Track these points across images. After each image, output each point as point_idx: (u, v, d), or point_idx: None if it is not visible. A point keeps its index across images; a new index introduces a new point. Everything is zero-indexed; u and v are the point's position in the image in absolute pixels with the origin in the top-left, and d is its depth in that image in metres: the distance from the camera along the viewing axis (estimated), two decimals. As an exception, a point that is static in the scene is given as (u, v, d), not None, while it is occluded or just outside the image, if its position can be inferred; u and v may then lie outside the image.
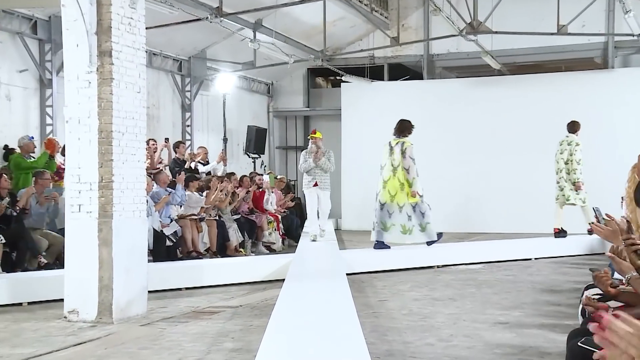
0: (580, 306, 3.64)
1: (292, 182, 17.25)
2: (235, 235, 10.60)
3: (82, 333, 5.42)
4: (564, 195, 10.98)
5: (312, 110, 18.31)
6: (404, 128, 9.70)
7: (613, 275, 5.14)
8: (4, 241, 7.39)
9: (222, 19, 11.96)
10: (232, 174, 11.94)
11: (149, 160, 9.90)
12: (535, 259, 10.05)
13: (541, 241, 11.06)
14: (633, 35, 12.96)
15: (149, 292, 6.36)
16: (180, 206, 9.84)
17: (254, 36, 13.43)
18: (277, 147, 18.71)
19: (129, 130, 6.04)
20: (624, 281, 3.22)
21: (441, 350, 4.77)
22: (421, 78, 16.51)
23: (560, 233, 10.97)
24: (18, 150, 9.47)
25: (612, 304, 3.11)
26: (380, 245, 9.48)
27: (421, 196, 9.43)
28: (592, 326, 1.35)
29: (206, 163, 12.21)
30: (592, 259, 9.97)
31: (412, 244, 9.56)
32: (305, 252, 9.23)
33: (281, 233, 12.37)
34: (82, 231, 5.87)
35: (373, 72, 16.79)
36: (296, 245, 10.74)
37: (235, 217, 11.07)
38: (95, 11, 5.84)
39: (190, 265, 8.39)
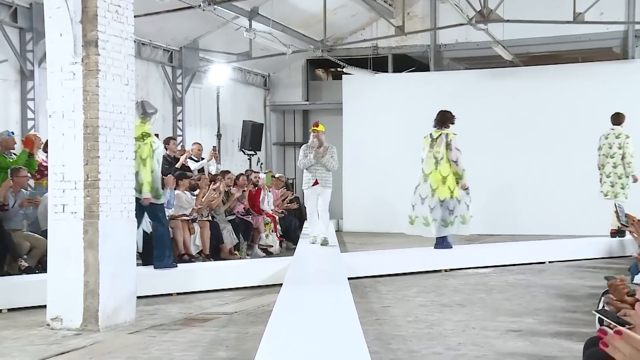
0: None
1: (290, 181, 17.26)
2: (229, 237, 10.60)
3: (66, 342, 5.42)
4: (614, 191, 10.93)
5: (311, 104, 18.31)
6: (445, 119, 9.79)
7: (633, 280, 5.13)
8: (-18, 244, 7.39)
9: (215, 6, 11.96)
10: (227, 172, 11.93)
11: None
12: (550, 262, 10.04)
13: (555, 243, 11.06)
14: (654, 24, 12.97)
15: (138, 297, 6.35)
16: (169, 208, 9.83)
17: (250, 25, 13.43)
18: (274, 144, 18.71)
19: (116, 125, 6.03)
20: None
21: (449, 359, 4.77)
22: (428, 70, 16.51)
23: (618, 233, 10.76)
24: (-3, 147, 9.46)
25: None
26: (441, 244, 9.72)
27: (467, 189, 9.61)
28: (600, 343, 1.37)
29: (199, 160, 12.21)
30: (611, 262, 9.98)
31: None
32: (304, 255, 9.23)
33: (279, 235, 12.37)
34: (66, 233, 5.86)
35: (376, 63, 16.80)
36: (294, 248, 10.75)
37: (230, 217, 11.07)
38: (80, -2, 5.83)
39: (182, 270, 8.38)
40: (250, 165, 15.86)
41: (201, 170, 11.83)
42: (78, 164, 5.86)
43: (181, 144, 14.08)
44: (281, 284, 6.78)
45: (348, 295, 5.84)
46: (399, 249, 11.02)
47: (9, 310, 6.63)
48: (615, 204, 9.73)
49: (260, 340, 4.20)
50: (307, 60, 18.03)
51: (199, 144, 12.58)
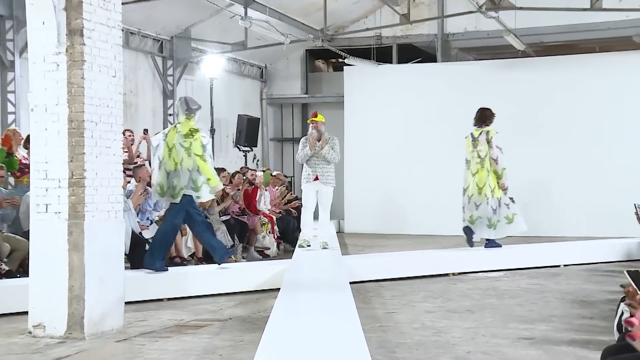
0: (616, 320, 3.63)
1: (289, 179, 17.26)
2: (224, 239, 10.60)
3: (49, 350, 5.41)
4: None
5: (310, 97, 18.32)
6: (484, 117, 10.19)
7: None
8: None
9: (208, -7, 11.96)
10: (223, 169, 11.92)
11: (126, 154, 9.91)
12: (565, 265, 10.05)
13: (571, 245, 11.07)
14: (677, 11, 12.96)
15: (126, 303, 6.34)
16: (157, 211, 9.83)
17: (245, 13, 13.42)
18: (272, 139, 18.73)
19: (103, 119, 6.03)
20: None
21: (458, 369, 4.78)
22: (434, 61, 16.52)
23: None
24: (-26, 143, 9.45)
25: None
26: (491, 243, 10.11)
27: (506, 189, 10.01)
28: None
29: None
30: (631, 266, 9.97)
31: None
32: (302, 257, 9.23)
33: (276, 236, 12.37)
34: (49, 234, 5.85)
35: (380, 53, 16.80)
36: (293, 250, 10.75)
37: (224, 218, 11.06)
38: (64, -16, 5.83)
39: (173, 273, 8.37)
40: (245, 162, 15.85)
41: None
42: (62, 161, 5.85)
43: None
44: (279, 289, 6.78)
45: (350, 301, 5.84)
46: (404, 251, 11.02)
47: (-11, 316, 6.63)
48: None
49: (256, 348, 4.20)
50: (306, 50, 18.04)
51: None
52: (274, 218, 12.47)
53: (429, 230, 14.91)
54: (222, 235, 10.63)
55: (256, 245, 11.70)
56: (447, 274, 9.26)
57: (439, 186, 15.17)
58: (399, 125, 15.78)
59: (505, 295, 7.72)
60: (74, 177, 5.84)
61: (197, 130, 8.05)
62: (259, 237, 11.76)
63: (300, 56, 18.20)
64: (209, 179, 8.03)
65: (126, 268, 7.01)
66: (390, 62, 16.84)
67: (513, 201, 10.08)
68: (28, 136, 7.68)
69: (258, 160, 17.29)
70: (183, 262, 9.64)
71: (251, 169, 13.43)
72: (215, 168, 12.07)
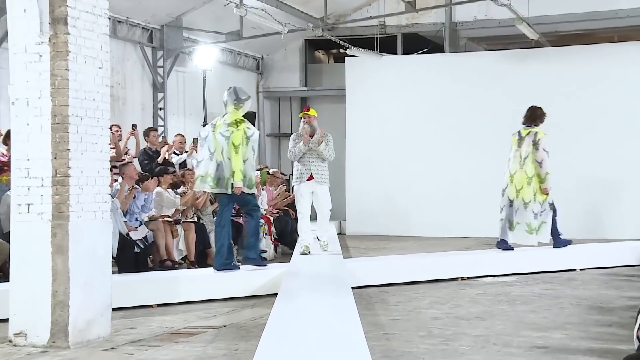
0: (636, 327, 3.63)
1: (286, 176, 17.26)
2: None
3: None
4: None
5: (310, 90, 18.31)
6: (535, 116, 10.25)
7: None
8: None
9: (201, -21, 11.96)
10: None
11: (113, 151, 9.91)
12: (580, 269, 10.06)
13: (587, 248, 11.06)
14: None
15: (113, 309, 6.35)
16: (145, 212, 9.82)
17: (240, 1, 13.40)
18: (268, 135, 18.72)
19: (88, 114, 6.02)
20: None
21: (467, 380, 4.78)
22: (442, 51, 16.50)
23: None
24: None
25: None
26: (503, 244, 10.27)
27: (547, 194, 10.09)
28: None
29: (181, 153, 12.19)
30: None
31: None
32: (301, 261, 9.24)
33: (273, 238, 12.36)
34: (31, 236, 5.85)
35: (384, 44, 16.78)
36: (291, 253, 10.75)
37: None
38: (46, -31, 5.82)
39: (164, 277, 8.39)
40: (240, 159, 15.84)
41: (183, 165, 11.80)
42: (45, 158, 5.85)
43: (162, 135, 14.08)
44: (276, 294, 6.79)
45: (352, 307, 5.85)
46: (409, 254, 11.03)
47: (-33, 324, 6.62)
48: None
49: (252, 357, 4.20)
50: (305, 40, 18.03)
51: (182, 136, 12.57)
52: (271, 219, 12.47)
53: (435, 232, 14.90)
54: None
55: (252, 247, 11.68)
56: (455, 279, 9.27)
57: (447, 185, 15.17)
58: (404, 120, 15.76)
59: (518, 301, 7.72)
60: (58, 175, 5.84)
61: (242, 121, 8.32)
62: (255, 239, 11.75)
63: (298, 46, 18.19)
64: (233, 172, 8.15)
65: (113, 272, 7.01)
66: (395, 53, 16.83)
67: (551, 207, 10.15)
68: (8, 131, 7.69)
69: (254, 157, 17.26)
70: (174, 265, 9.64)
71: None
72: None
